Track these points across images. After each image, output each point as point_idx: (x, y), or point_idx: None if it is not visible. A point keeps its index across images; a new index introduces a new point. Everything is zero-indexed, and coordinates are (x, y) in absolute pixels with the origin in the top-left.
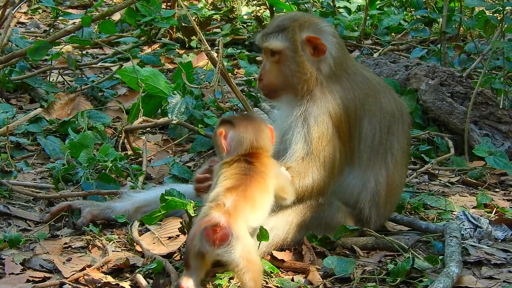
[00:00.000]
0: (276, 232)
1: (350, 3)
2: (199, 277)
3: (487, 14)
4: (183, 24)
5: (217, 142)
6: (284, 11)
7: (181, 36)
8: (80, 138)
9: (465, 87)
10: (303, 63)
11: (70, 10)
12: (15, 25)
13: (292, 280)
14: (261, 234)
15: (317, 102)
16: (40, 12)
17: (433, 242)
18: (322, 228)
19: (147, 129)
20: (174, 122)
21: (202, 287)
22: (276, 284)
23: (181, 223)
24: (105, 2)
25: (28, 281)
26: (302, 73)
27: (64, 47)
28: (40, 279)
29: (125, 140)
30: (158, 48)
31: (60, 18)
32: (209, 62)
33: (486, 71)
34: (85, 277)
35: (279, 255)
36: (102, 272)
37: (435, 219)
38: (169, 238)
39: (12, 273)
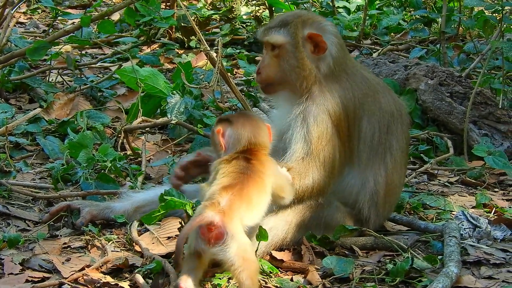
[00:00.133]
0: (275, 232)
1: (349, 3)
2: (197, 277)
3: (486, 14)
4: (182, 24)
5: (215, 141)
6: (283, 11)
7: (180, 36)
8: (79, 138)
9: (464, 87)
10: (303, 59)
11: (69, 10)
12: (14, 25)
13: (291, 280)
14: (260, 234)
15: (316, 101)
16: (39, 12)
17: (432, 242)
18: (321, 228)
19: (146, 129)
20: (173, 122)
21: (200, 287)
22: (275, 284)
23: (180, 223)
24: (104, 2)
25: (27, 281)
26: (301, 69)
27: (63, 47)
28: (39, 279)
29: (124, 140)
30: (157, 48)
31: (59, 18)
32: (208, 62)
33: (485, 71)
34: (84, 277)
35: (278, 255)
36: (101, 272)
37: (434, 219)
38: (168, 238)
39: (11, 273)
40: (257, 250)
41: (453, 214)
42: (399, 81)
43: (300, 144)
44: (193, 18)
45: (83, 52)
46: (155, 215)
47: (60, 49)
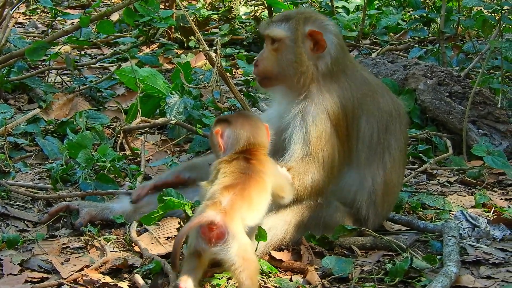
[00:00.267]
0: (274, 232)
1: (348, 3)
2: (197, 277)
3: (485, 13)
4: (181, 24)
5: (213, 141)
6: (282, 11)
7: (180, 36)
8: (78, 139)
9: (463, 87)
10: (301, 55)
11: (68, 11)
12: (14, 26)
13: (291, 280)
14: (259, 234)
15: (315, 100)
16: (39, 12)
17: (431, 242)
18: (320, 227)
19: (146, 129)
20: (172, 122)
21: (200, 287)
22: (275, 284)
23: (179, 223)
24: (103, 2)
25: (26, 281)
26: (299, 65)
27: (63, 48)
28: (38, 279)
29: (124, 140)
30: (156, 48)
31: (58, 18)
32: (208, 62)
33: (484, 71)
34: (84, 277)
35: (277, 255)
36: (101, 272)
37: (433, 219)
38: (168, 238)
39: (10, 274)
40: (256, 250)
41: (452, 214)
42: (398, 81)
43: (299, 144)
44: (192, 18)
45: (82, 52)
46: (154, 215)
47: (59, 49)
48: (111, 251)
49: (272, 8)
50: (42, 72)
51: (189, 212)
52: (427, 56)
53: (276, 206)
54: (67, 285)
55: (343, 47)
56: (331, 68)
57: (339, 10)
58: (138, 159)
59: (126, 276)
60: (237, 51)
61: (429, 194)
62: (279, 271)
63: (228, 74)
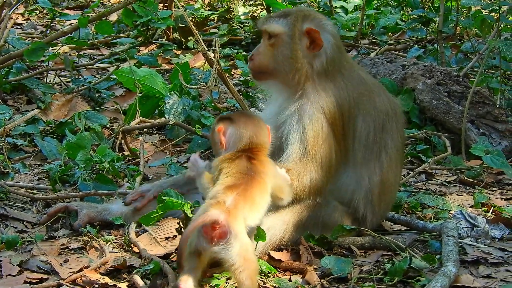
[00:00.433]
0: (273, 232)
1: (347, 2)
2: (197, 276)
3: (484, 13)
4: (180, 25)
5: (215, 139)
6: None
7: (178, 37)
8: (77, 139)
9: (462, 87)
10: (296, 51)
11: (66, 11)
12: (12, 26)
13: (290, 280)
14: (258, 234)
15: (311, 99)
16: (37, 13)
17: (430, 242)
18: (319, 227)
19: (144, 129)
20: (171, 122)
21: (200, 287)
22: (274, 284)
23: (178, 223)
24: (101, 3)
25: (25, 282)
26: (294, 61)
27: (61, 48)
28: (37, 280)
29: (122, 141)
30: (155, 49)
31: (57, 19)
32: (206, 62)
33: (483, 70)
34: (83, 278)
35: (276, 255)
36: (100, 273)
37: (432, 219)
38: (167, 238)
39: (9, 275)
40: (255, 250)
41: (451, 214)
42: (397, 81)
43: (296, 144)
44: (190, 18)
45: (81, 53)
46: (153, 216)
47: (57, 50)
48: (110, 252)
49: (271, 8)
50: (41, 73)
51: (188, 212)
52: (426, 55)
53: (275, 206)
54: (66, 285)
55: (339, 47)
56: (326, 68)
57: (338, 10)
58: (137, 159)
59: (125, 276)
60: (235, 51)
61: (428, 193)
62: (278, 271)
63: (226, 74)
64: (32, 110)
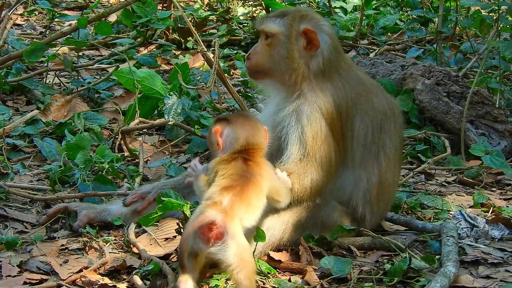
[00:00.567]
0: (272, 232)
1: (346, 3)
2: (195, 278)
3: (483, 13)
4: (179, 25)
5: (212, 140)
6: None
7: (177, 37)
8: (76, 140)
9: (461, 87)
10: (293, 51)
11: (66, 12)
12: (11, 27)
13: (289, 280)
14: (258, 235)
15: (308, 99)
16: (36, 14)
17: (430, 242)
18: (318, 227)
19: (144, 130)
20: (170, 123)
21: None
22: (273, 285)
23: (177, 224)
24: (101, 3)
25: (25, 283)
26: (290, 61)
27: (60, 49)
28: (37, 281)
29: (122, 142)
30: (154, 49)
31: (56, 19)
32: (205, 63)
33: (482, 71)
34: (82, 278)
35: (276, 255)
36: (99, 273)
37: (432, 219)
38: (166, 239)
39: (9, 275)
40: (254, 250)
41: (451, 214)
42: (396, 81)
43: (296, 145)
44: (190, 19)
45: (80, 53)
46: (152, 216)
47: (57, 50)
48: (109, 253)
49: (270, 9)
50: (40, 73)
51: (188, 213)
52: (425, 56)
53: (274, 207)
54: (66, 286)
55: (337, 48)
56: (323, 68)
57: (337, 10)
58: (137, 160)
59: (124, 277)
60: (235, 51)
61: (428, 194)
62: (277, 271)
63: (226, 75)
64: (32, 110)
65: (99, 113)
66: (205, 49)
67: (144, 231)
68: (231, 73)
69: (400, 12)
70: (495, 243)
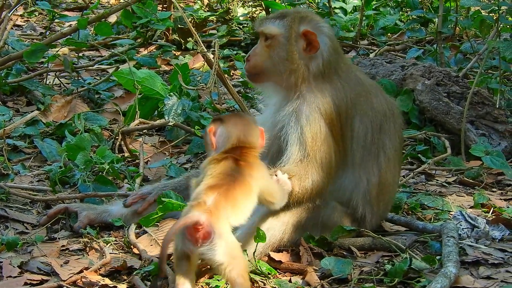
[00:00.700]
0: (272, 233)
1: (346, 3)
2: (192, 279)
3: (483, 13)
4: (179, 26)
5: (207, 140)
6: None
7: (177, 38)
8: (77, 141)
9: (462, 87)
10: (292, 53)
11: (66, 13)
12: (12, 28)
13: (290, 281)
14: (258, 235)
15: (307, 99)
16: (36, 14)
17: (430, 242)
18: (318, 228)
19: (144, 131)
20: (170, 123)
21: None
22: (274, 285)
23: None
24: (101, 4)
25: (25, 284)
26: (290, 63)
27: (61, 50)
28: (37, 282)
29: (122, 142)
30: (154, 50)
31: (56, 20)
32: (205, 63)
33: (482, 71)
34: (83, 279)
35: (276, 256)
36: (100, 274)
37: (432, 219)
38: None
39: (10, 276)
40: (255, 251)
41: (451, 214)
42: (396, 82)
43: (295, 146)
44: (189, 19)
45: (80, 54)
46: (153, 217)
47: (57, 51)
48: (110, 253)
49: (270, 9)
50: (40, 74)
51: None
52: (425, 56)
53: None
54: (67, 287)
55: (336, 50)
56: (322, 70)
57: (337, 11)
58: (137, 160)
59: (125, 278)
60: (235, 52)
61: (428, 194)
62: (278, 272)
63: (226, 75)
64: (32, 111)
65: (99, 113)
66: (205, 50)
67: (145, 232)
68: (231, 74)
69: (400, 12)
70: (496, 244)
